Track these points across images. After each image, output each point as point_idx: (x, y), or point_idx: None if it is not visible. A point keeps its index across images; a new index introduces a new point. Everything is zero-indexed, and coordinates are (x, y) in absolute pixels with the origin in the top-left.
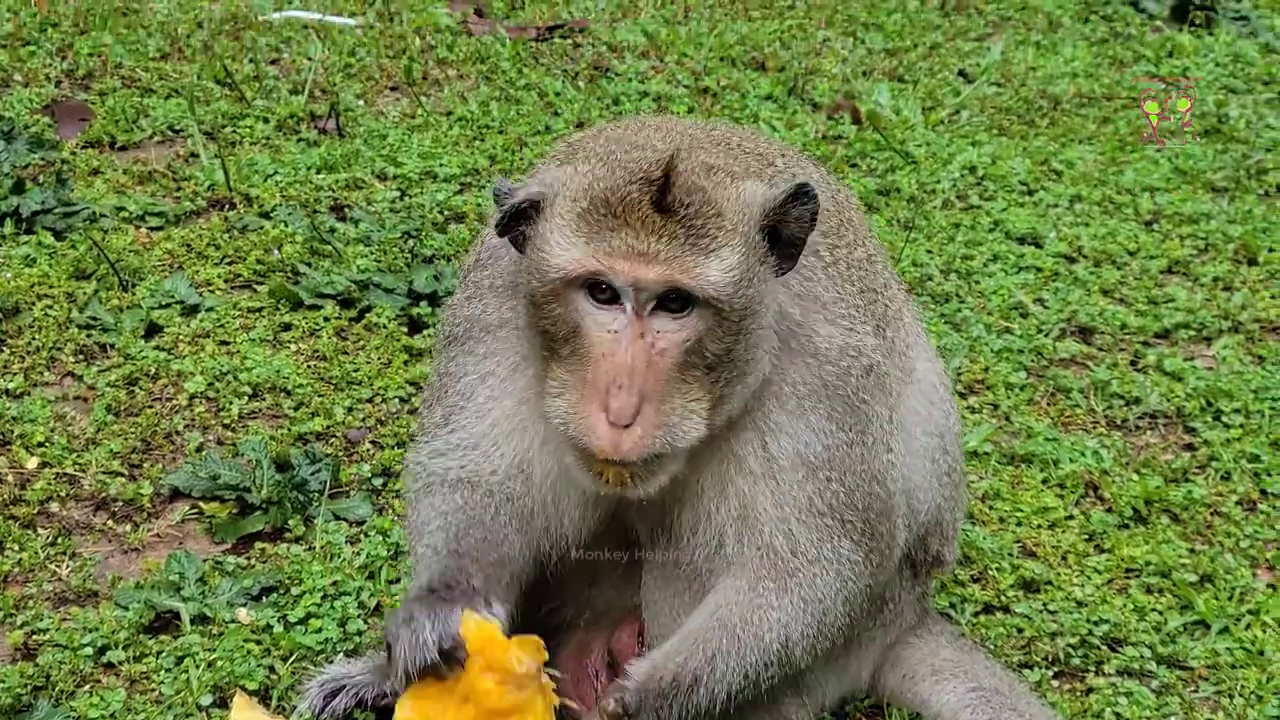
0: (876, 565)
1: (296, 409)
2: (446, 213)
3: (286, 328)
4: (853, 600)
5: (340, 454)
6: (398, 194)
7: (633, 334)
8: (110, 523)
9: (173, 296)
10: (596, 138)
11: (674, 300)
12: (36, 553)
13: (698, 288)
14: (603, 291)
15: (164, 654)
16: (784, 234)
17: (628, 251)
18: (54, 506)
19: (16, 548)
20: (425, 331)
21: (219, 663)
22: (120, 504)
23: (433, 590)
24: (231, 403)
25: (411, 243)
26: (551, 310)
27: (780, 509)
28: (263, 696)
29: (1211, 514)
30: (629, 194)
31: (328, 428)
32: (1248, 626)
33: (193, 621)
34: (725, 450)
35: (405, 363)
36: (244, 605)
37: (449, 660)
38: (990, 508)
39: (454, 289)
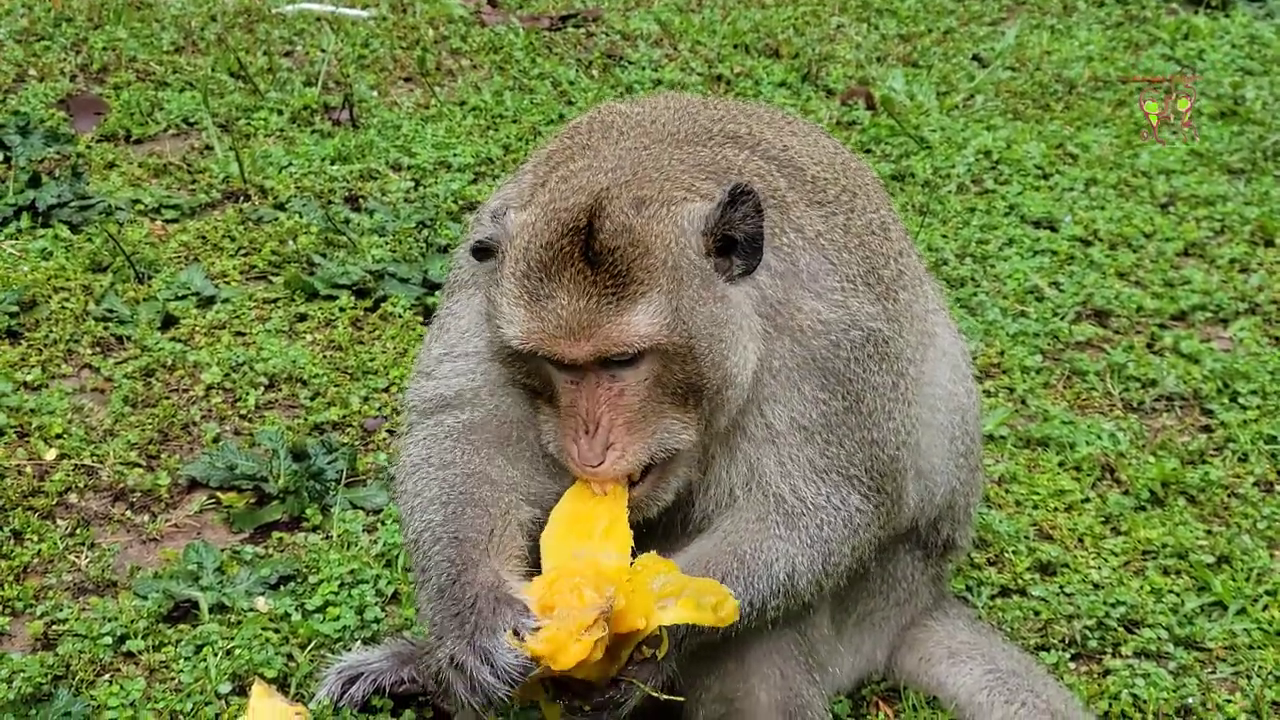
0: (885, 519)
1: (313, 399)
2: (461, 202)
3: (302, 318)
4: (859, 549)
5: (356, 443)
6: (412, 184)
7: (589, 387)
8: (128, 513)
9: (188, 288)
10: (563, 157)
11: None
12: (56, 543)
13: (630, 344)
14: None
15: (183, 643)
16: (738, 238)
17: (558, 328)
18: (72, 497)
19: (36, 538)
20: None
21: (237, 651)
22: (138, 494)
23: (453, 600)
24: (248, 393)
25: (426, 232)
26: (520, 367)
27: (784, 467)
28: (281, 684)
29: (1228, 495)
30: (560, 249)
31: (344, 417)
32: (1265, 607)
33: (211, 610)
34: (730, 423)
35: None
36: (262, 594)
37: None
38: (1006, 491)
39: None
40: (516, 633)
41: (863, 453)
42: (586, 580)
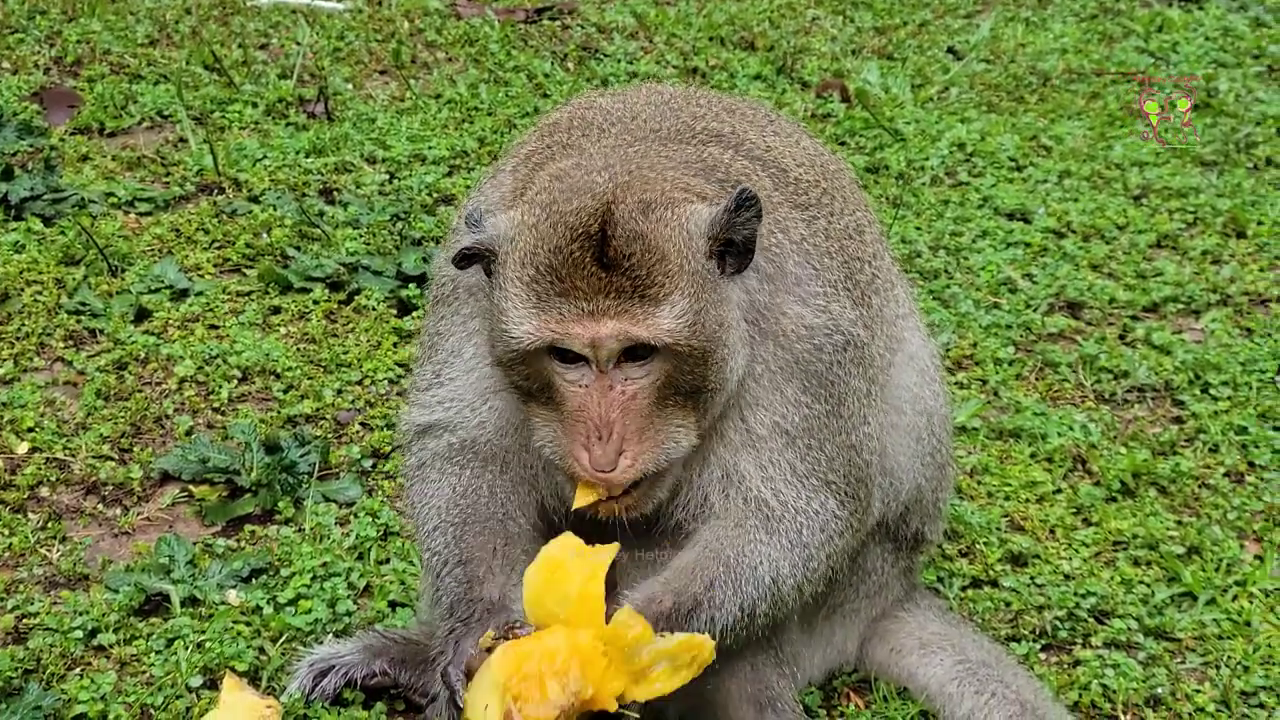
0: (856, 525)
1: (286, 392)
2: (435, 195)
3: (276, 311)
4: (834, 555)
5: (329, 436)
6: (386, 177)
7: (601, 388)
8: (100, 506)
9: (162, 281)
10: (544, 156)
11: (637, 349)
12: (27, 537)
13: (653, 338)
14: (567, 352)
15: (154, 636)
16: (736, 241)
17: (579, 315)
18: (44, 491)
19: (7, 532)
20: (414, 313)
21: (209, 644)
22: (110, 488)
23: (460, 619)
24: (221, 386)
25: (400, 225)
26: (521, 371)
27: (764, 470)
28: (253, 677)
29: (1199, 486)
30: (571, 254)
31: (317, 410)
32: (1235, 598)
33: (183, 604)
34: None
35: (394, 345)
36: (234, 587)
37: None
38: (978, 482)
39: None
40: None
41: (841, 457)
42: (553, 665)
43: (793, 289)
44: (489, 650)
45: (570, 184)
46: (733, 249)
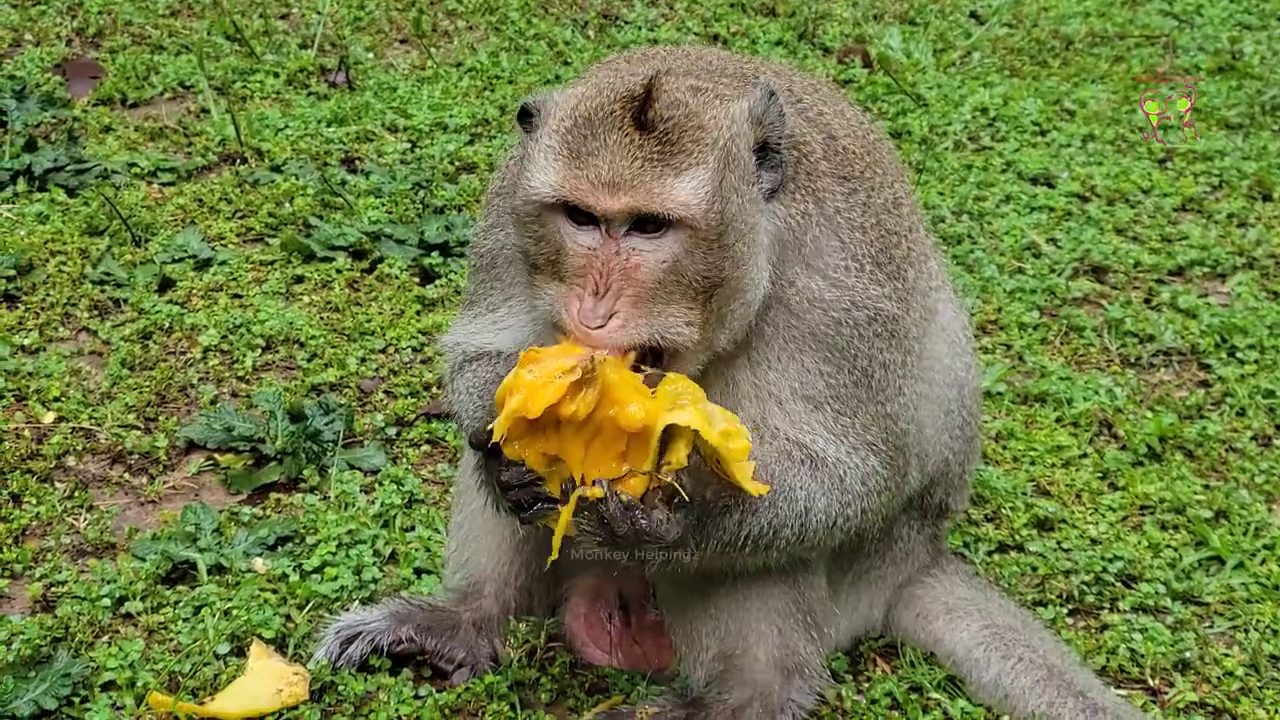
0: (895, 490)
1: (310, 360)
2: (457, 163)
3: (299, 280)
4: (869, 512)
5: (354, 404)
6: (408, 146)
7: (607, 253)
8: (126, 475)
9: (185, 251)
10: (604, 66)
11: (649, 222)
12: (54, 506)
13: (665, 211)
14: (580, 213)
15: (181, 604)
16: (770, 143)
17: (595, 181)
18: (70, 460)
19: (34, 501)
20: (437, 282)
21: (235, 612)
22: (136, 457)
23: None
24: (245, 355)
25: (422, 194)
26: (534, 230)
27: (797, 427)
28: (279, 645)
29: (1226, 450)
30: (611, 111)
31: (341, 378)
32: (1263, 561)
33: (209, 572)
34: (726, 375)
35: (418, 313)
36: (260, 555)
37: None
38: (1004, 447)
39: (466, 239)
40: None
41: (878, 425)
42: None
43: (810, 260)
44: None
45: (626, 69)
46: (766, 155)
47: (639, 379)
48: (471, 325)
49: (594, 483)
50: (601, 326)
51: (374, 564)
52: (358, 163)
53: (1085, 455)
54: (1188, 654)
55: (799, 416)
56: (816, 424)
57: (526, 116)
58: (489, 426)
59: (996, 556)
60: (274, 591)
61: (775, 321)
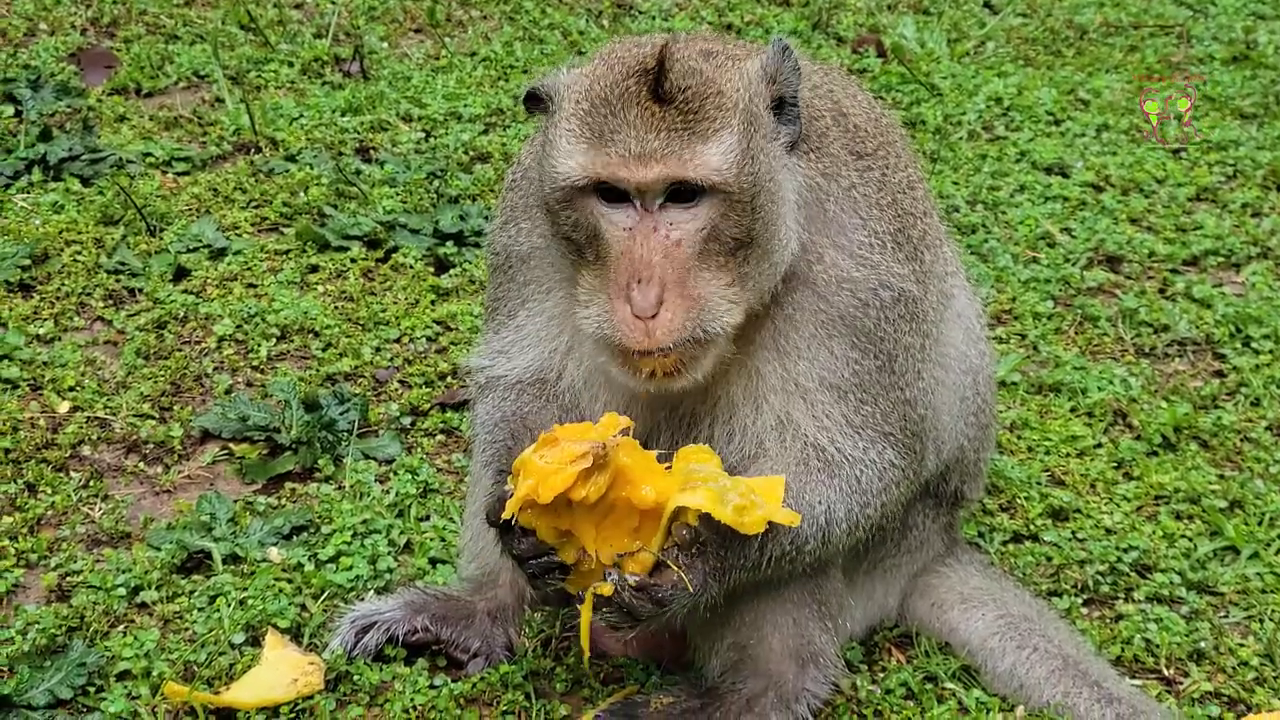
0: (912, 477)
1: (324, 350)
2: (471, 153)
3: (313, 269)
4: (889, 504)
5: (368, 394)
6: (423, 135)
7: (645, 229)
8: (141, 465)
9: (200, 240)
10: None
11: (682, 192)
12: (69, 495)
13: (700, 177)
14: (612, 192)
15: (196, 593)
16: (786, 98)
17: (626, 155)
18: (85, 450)
19: (49, 491)
20: (451, 271)
21: (251, 601)
22: (151, 446)
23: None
24: (260, 344)
25: (437, 183)
26: (569, 216)
27: (819, 422)
28: (294, 634)
29: (1241, 440)
30: (626, 88)
31: (356, 368)
32: (1278, 551)
33: (224, 561)
34: (750, 367)
35: (432, 302)
36: (275, 544)
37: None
38: (1018, 437)
39: (480, 228)
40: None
41: (897, 412)
42: (583, 434)
43: (834, 236)
44: None
45: (633, 41)
46: (783, 109)
47: (652, 457)
48: (494, 342)
49: (605, 575)
50: (654, 316)
51: (389, 554)
52: (372, 152)
53: (1100, 445)
54: (1203, 644)
55: (822, 409)
56: (839, 415)
57: (535, 101)
58: (502, 495)
59: (1011, 546)
60: (289, 581)
61: (803, 305)
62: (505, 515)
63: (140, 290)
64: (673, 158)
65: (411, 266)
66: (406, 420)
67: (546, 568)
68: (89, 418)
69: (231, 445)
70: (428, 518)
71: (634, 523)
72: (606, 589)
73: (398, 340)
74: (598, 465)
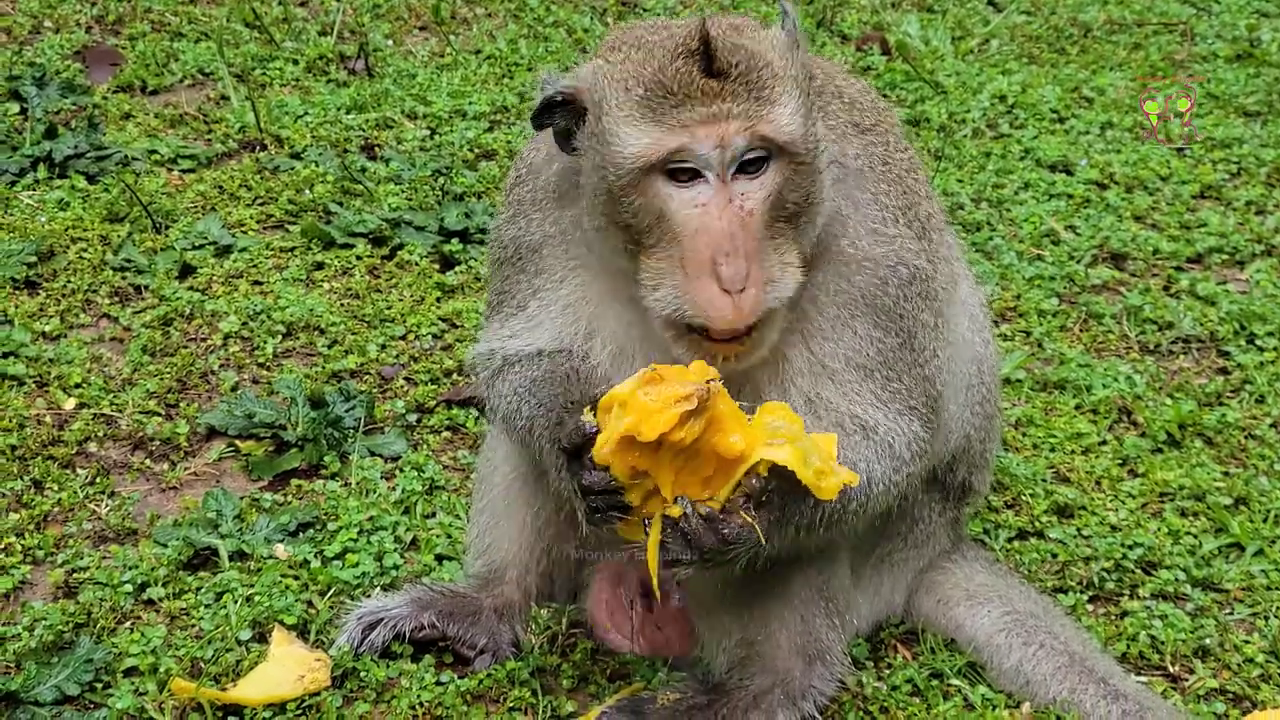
0: (933, 452)
1: (330, 347)
2: (476, 150)
3: (319, 266)
4: (913, 475)
5: (374, 391)
6: (428, 132)
7: (722, 201)
8: (148, 462)
9: (205, 238)
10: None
11: (750, 161)
12: (75, 492)
13: (777, 134)
14: (682, 172)
15: (203, 590)
16: (804, 63)
17: (703, 118)
18: (92, 446)
19: (56, 487)
20: (457, 268)
21: (257, 598)
22: (157, 443)
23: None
24: (266, 341)
25: (442, 180)
26: (632, 203)
27: (848, 398)
28: (301, 631)
29: (1245, 437)
30: (679, 70)
31: (361, 365)
32: None
33: (231, 558)
34: (776, 352)
35: (438, 300)
36: (281, 541)
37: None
38: (1023, 434)
39: (485, 225)
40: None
41: (919, 387)
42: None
43: (853, 214)
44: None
45: (653, 29)
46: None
47: (739, 408)
48: (503, 329)
49: (676, 499)
50: (743, 290)
51: (395, 550)
52: (377, 149)
53: (1105, 442)
54: (1208, 641)
55: (851, 388)
56: (868, 392)
57: (553, 110)
58: (586, 429)
59: (1016, 543)
60: (295, 578)
61: (826, 286)
62: (603, 449)
63: (146, 287)
64: (750, 115)
65: (417, 263)
66: (412, 417)
67: (612, 505)
68: (95, 414)
69: (237, 442)
70: (434, 514)
71: (709, 471)
72: (676, 510)
73: (403, 337)
74: (700, 408)
